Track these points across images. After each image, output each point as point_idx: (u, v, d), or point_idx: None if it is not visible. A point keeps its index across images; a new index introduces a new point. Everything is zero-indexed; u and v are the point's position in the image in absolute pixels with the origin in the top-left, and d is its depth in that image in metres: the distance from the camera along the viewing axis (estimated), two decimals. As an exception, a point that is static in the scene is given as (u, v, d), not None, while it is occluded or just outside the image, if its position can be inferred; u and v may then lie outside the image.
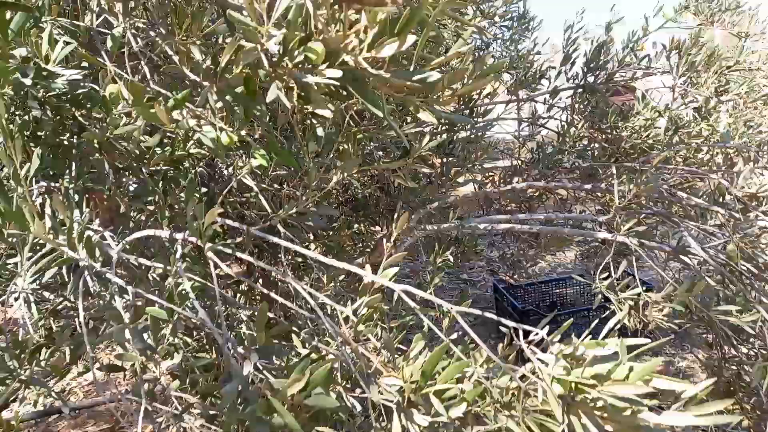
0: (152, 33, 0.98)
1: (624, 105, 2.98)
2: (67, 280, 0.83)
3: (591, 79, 2.97)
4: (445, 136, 2.51)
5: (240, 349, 0.79)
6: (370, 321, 0.85)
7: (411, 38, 0.54)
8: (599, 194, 2.72)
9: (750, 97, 2.58)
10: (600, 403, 0.65)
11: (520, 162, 3.07)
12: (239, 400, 0.76)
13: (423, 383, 0.73)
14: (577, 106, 3.02)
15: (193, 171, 1.00)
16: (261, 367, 0.76)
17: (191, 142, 1.02)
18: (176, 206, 1.03)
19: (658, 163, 1.68)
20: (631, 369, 0.64)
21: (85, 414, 2.78)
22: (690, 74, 2.65)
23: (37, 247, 0.80)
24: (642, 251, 1.65)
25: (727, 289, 1.53)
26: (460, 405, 0.75)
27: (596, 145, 2.99)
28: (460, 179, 2.91)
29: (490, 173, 2.99)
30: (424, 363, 0.74)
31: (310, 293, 0.85)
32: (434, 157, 2.49)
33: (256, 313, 0.97)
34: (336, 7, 0.59)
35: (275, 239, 0.90)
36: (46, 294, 1.03)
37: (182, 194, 1.00)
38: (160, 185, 0.99)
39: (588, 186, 1.99)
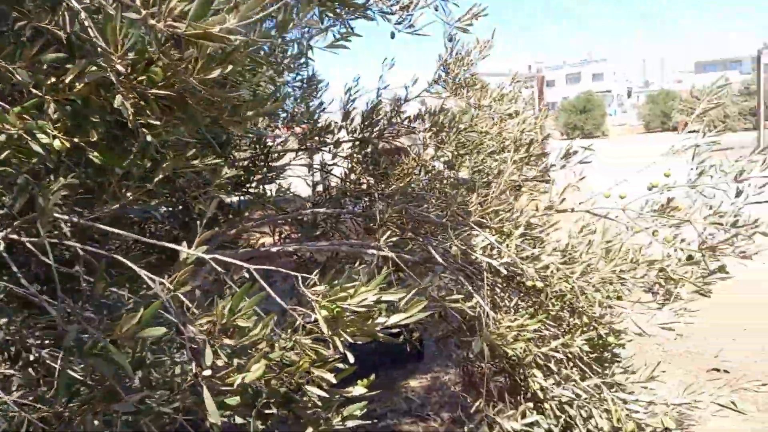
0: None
1: (394, 157, 3.61)
2: None
3: (367, 134, 3.54)
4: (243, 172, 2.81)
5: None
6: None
7: (230, 66, 0.87)
8: (373, 227, 3.25)
9: (482, 152, 3.36)
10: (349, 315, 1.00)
11: (309, 202, 3.48)
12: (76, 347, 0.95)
13: (230, 317, 1.01)
14: (356, 155, 3.56)
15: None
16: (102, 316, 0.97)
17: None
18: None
19: (402, 191, 2.22)
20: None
21: None
22: (439, 133, 3.35)
23: None
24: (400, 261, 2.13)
25: (459, 285, 2.07)
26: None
27: (372, 189, 3.54)
28: (256, 214, 3.21)
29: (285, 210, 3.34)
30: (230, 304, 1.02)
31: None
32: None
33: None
34: (172, 41, 0.89)
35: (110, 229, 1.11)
36: None
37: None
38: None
39: (358, 209, 2.44)
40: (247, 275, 1.48)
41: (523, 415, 2.03)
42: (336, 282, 0.99)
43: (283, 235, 3.58)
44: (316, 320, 1.00)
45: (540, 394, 2.05)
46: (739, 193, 1.78)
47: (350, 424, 1.11)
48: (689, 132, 2.07)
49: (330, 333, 1.00)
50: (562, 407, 2.05)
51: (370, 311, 0.98)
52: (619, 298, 2.08)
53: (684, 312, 1.99)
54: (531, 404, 2.11)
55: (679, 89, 36.92)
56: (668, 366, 3.66)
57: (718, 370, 2.12)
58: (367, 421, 1.19)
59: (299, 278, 1.05)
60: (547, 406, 2.08)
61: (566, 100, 34.84)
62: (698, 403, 1.80)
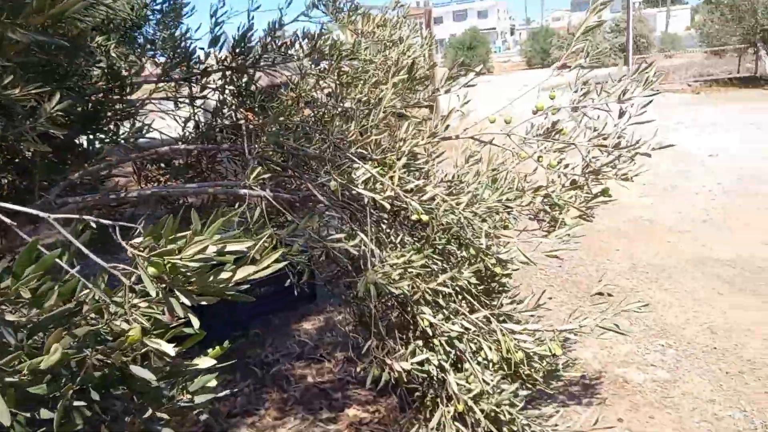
0: None
1: (274, 88, 3.28)
2: None
3: (240, 61, 3.17)
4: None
5: None
6: None
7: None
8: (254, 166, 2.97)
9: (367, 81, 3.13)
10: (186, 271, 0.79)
11: (179, 140, 3.10)
12: None
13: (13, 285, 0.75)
14: (227, 87, 3.20)
15: None
16: None
17: None
18: None
19: (278, 123, 1.98)
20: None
21: None
22: (320, 61, 3.07)
23: None
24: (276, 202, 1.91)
25: (343, 224, 1.90)
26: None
27: (249, 124, 3.22)
28: (113, 157, 2.80)
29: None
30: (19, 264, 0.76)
31: None
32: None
33: None
34: None
35: None
36: None
37: None
38: None
39: (225, 146, 2.17)
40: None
41: (413, 354, 1.95)
42: (161, 232, 0.77)
43: (149, 178, 3.19)
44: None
45: (429, 331, 1.98)
46: (621, 114, 1.74)
47: (200, 399, 0.91)
48: (564, 66, 2.00)
49: (160, 295, 0.79)
50: (451, 342, 2.00)
51: (213, 265, 0.78)
52: (505, 227, 2.02)
53: (568, 238, 1.97)
54: (421, 342, 2.04)
55: (557, 26, 38.40)
56: (553, 291, 3.81)
57: (601, 294, 2.21)
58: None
59: (116, 229, 0.81)
60: (437, 341, 2.02)
61: (453, 36, 35.12)
62: (583, 327, 1.82)
